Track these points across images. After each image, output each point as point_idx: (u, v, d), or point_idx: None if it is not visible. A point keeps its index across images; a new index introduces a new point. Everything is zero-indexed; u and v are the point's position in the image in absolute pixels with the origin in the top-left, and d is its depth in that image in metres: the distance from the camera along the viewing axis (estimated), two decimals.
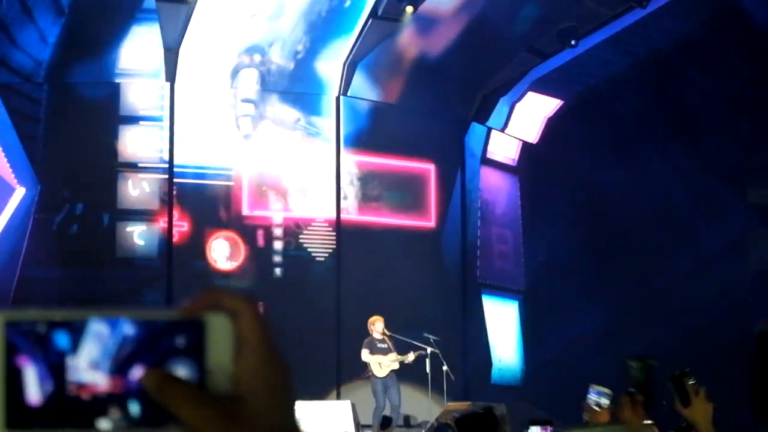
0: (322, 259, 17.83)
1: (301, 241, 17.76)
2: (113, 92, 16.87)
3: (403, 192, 18.61)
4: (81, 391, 1.04)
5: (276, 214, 17.77)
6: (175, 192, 17.01)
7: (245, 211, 17.57)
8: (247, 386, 1.04)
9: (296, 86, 17.74)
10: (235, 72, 17.39)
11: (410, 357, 15.18)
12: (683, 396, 4.69)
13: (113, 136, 16.91)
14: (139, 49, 16.71)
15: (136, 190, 16.97)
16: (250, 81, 17.51)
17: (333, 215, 17.95)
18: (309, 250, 17.82)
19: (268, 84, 17.59)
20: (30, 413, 1.04)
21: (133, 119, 16.98)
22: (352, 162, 18.23)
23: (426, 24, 17.40)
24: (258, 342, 1.05)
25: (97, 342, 1.06)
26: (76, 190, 16.61)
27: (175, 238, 16.98)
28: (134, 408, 1.05)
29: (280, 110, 17.87)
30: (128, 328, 1.06)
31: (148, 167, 17.04)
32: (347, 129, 18.15)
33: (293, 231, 17.76)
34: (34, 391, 1.04)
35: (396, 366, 15.17)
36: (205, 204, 17.30)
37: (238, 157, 17.54)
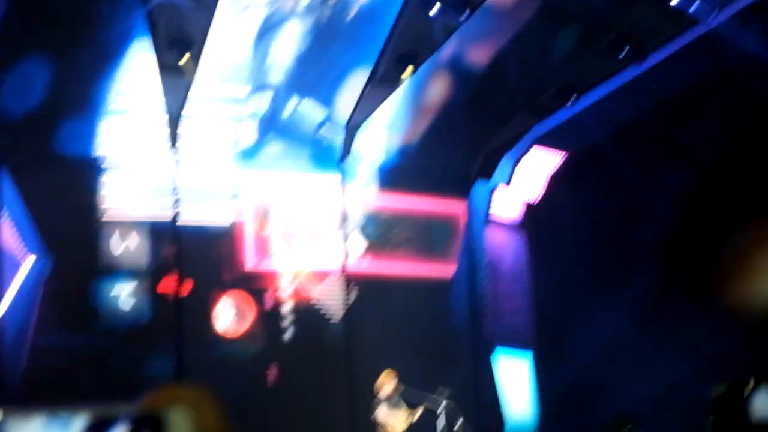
0: (340, 317, 17.72)
1: (314, 298, 17.71)
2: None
3: (431, 235, 18.68)
4: None
5: (284, 269, 17.57)
6: (173, 249, 16.85)
7: (249, 265, 17.35)
8: None
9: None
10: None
11: (418, 413, 15.18)
12: None
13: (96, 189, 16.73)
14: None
15: (121, 246, 16.69)
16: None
17: (347, 265, 17.83)
18: (321, 308, 17.81)
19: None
20: None
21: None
22: (371, 205, 18.30)
23: (423, 86, 17.61)
24: (215, 430, 1.17)
25: None
26: (70, 252, 16.36)
27: (173, 300, 16.70)
28: None
29: (303, 108, 17.64)
30: (96, 425, 1.18)
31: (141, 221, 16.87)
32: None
33: (305, 286, 17.66)
34: None
35: (406, 425, 15.16)
36: (205, 260, 17.09)
37: (239, 195, 17.39)
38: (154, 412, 1.16)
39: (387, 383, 15.17)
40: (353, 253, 17.93)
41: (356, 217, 18.10)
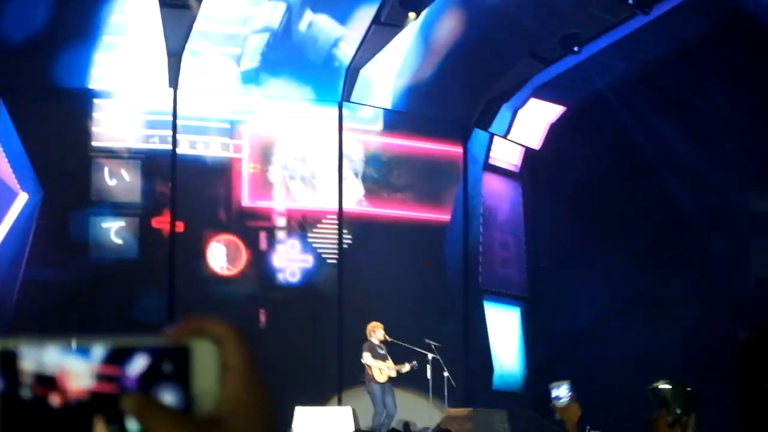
0: (333, 261, 17.72)
1: (309, 240, 17.68)
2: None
3: (429, 179, 18.60)
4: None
5: (281, 207, 17.44)
6: (168, 184, 16.74)
7: (245, 201, 17.28)
8: (229, 410, 1.07)
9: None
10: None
11: (405, 367, 15.18)
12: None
13: (92, 122, 16.60)
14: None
15: (114, 180, 16.61)
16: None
17: (344, 207, 17.77)
18: (318, 250, 17.72)
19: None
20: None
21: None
22: (370, 147, 18.17)
23: (428, 31, 17.47)
24: (241, 367, 1.08)
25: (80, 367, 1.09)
26: (64, 186, 16.33)
27: (167, 237, 16.68)
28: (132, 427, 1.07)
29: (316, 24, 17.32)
30: (116, 354, 1.08)
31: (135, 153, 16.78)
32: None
33: (300, 227, 17.58)
34: None
35: (393, 374, 15.18)
36: (201, 197, 17.01)
37: (237, 129, 17.26)
38: (177, 343, 1.07)
39: (376, 330, 15.17)
40: (350, 194, 17.85)
41: (355, 159, 18.00)
